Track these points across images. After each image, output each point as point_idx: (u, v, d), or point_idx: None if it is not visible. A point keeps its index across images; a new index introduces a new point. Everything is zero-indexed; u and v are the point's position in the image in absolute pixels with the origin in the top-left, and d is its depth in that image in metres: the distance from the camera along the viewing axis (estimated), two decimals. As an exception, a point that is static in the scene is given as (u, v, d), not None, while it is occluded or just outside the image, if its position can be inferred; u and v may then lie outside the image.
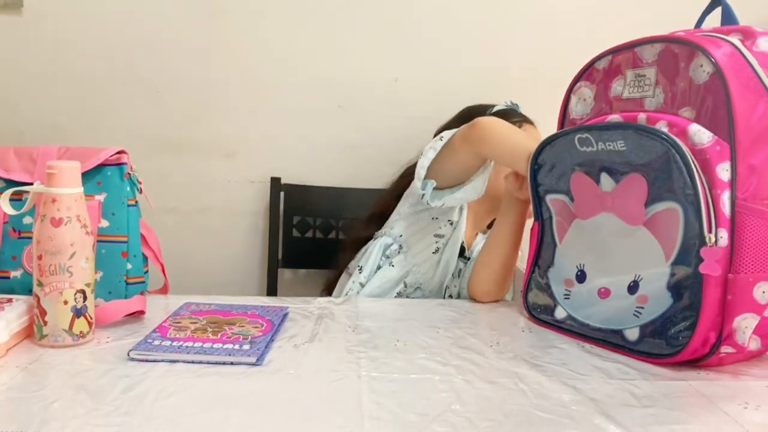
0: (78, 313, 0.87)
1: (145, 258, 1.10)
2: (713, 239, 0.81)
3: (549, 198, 1.04)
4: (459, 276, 1.31)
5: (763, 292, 0.81)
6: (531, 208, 1.09)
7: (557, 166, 1.01)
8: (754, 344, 0.85)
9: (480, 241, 1.38)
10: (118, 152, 1.07)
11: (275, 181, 1.57)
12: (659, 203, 0.87)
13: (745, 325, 0.82)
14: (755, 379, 0.83)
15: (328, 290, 1.40)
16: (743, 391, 0.79)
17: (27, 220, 1.03)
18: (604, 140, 0.92)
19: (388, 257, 1.29)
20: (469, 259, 1.33)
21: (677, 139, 0.83)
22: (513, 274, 1.21)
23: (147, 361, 0.82)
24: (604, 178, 0.94)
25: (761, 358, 0.90)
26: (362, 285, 1.27)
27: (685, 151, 0.82)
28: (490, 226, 1.41)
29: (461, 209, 1.31)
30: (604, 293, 0.95)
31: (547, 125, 1.12)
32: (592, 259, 0.98)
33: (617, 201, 0.92)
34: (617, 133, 0.90)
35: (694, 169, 0.82)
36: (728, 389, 0.80)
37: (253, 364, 0.82)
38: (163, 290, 1.16)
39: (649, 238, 0.88)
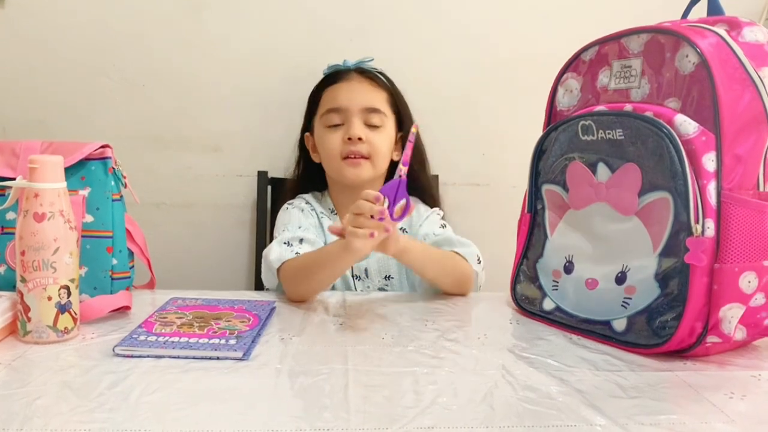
0: (62, 309, 0.86)
1: (131, 253, 1.09)
2: (699, 229, 0.81)
3: (545, 188, 1.04)
4: (367, 276, 1.28)
5: (749, 281, 0.81)
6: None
7: (558, 153, 1.01)
8: (739, 334, 0.85)
9: None
10: (102, 147, 1.07)
11: (262, 175, 1.56)
12: (652, 193, 0.87)
13: (731, 314, 0.82)
14: (741, 369, 0.83)
15: None
16: (729, 380, 0.80)
17: (10, 215, 1.02)
18: (604, 128, 0.93)
19: None
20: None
21: (672, 130, 0.83)
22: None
23: (132, 356, 0.81)
24: (601, 168, 0.94)
25: (747, 348, 0.91)
26: None
27: (678, 141, 0.83)
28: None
29: (320, 227, 1.30)
30: (591, 284, 0.96)
31: (534, 117, 1.11)
32: (581, 250, 0.98)
33: (612, 190, 0.93)
34: (617, 122, 0.91)
35: (686, 159, 0.82)
36: (714, 379, 0.80)
37: (240, 359, 0.81)
38: (150, 285, 1.16)
39: (640, 228, 0.89)
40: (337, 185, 1.33)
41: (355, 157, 1.27)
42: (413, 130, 0.98)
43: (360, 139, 1.26)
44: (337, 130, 1.29)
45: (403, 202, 0.97)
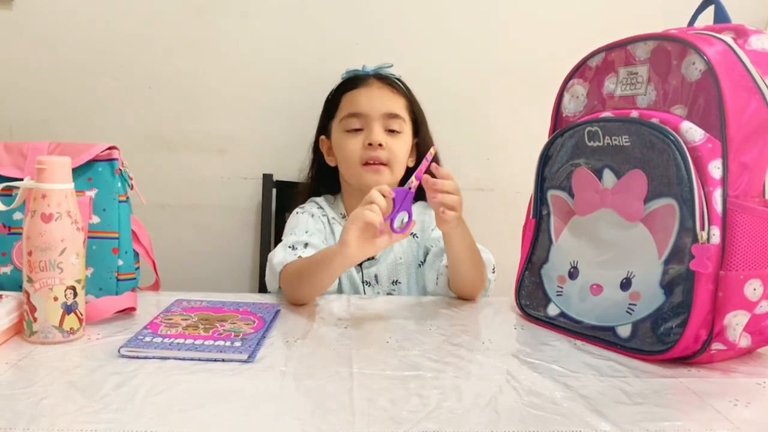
0: (68, 309, 0.86)
1: (137, 254, 1.10)
2: (705, 236, 0.81)
3: (550, 193, 1.05)
4: (377, 282, 1.28)
5: (754, 289, 0.81)
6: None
7: (564, 158, 1.01)
8: (744, 341, 0.85)
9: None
10: (109, 148, 1.07)
11: (267, 178, 1.57)
12: (658, 199, 0.87)
13: (735, 322, 0.82)
14: (745, 376, 0.83)
15: None
16: (733, 388, 0.80)
17: (17, 215, 1.02)
18: (610, 135, 0.93)
19: None
20: (372, 258, 1.28)
21: (679, 137, 0.84)
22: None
23: (138, 357, 0.81)
24: (607, 174, 0.94)
25: (751, 355, 0.90)
26: None
27: (684, 148, 0.83)
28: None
29: (332, 233, 1.31)
30: (596, 290, 0.96)
31: (540, 122, 1.11)
32: (586, 256, 0.98)
33: (617, 197, 0.93)
34: (623, 128, 0.91)
35: (692, 166, 0.82)
36: (719, 386, 0.80)
37: (245, 361, 0.81)
38: (155, 287, 1.16)
39: (645, 235, 0.89)
40: (351, 189, 1.33)
41: (374, 164, 1.27)
42: (432, 151, 1.00)
43: (380, 145, 1.26)
44: (357, 135, 1.29)
45: (405, 215, 0.99)
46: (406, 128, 1.32)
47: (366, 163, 1.27)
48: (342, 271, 1.11)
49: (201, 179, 1.57)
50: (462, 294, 1.19)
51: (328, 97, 1.39)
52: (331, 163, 1.36)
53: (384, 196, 0.99)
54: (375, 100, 1.29)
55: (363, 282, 1.28)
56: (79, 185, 1.01)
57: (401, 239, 1.01)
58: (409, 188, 0.99)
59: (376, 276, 1.29)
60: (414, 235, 1.31)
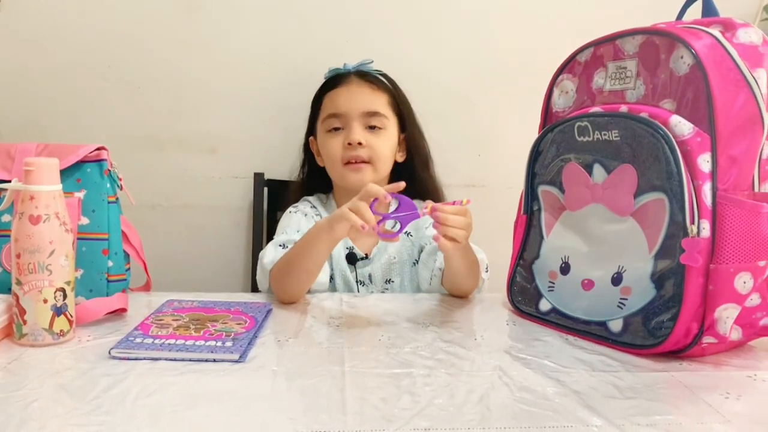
0: (58, 311, 0.86)
1: (127, 255, 1.09)
2: (695, 230, 0.81)
3: (541, 189, 1.05)
4: (371, 281, 1.29)
5: (744, 282, 0.81)
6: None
7: (554, 154, 1.01)
8: (735, 334, 0.85)
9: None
10: (98, 149, 1.06)
11: (258, 177, 1.56)
12: (648, 194, 0.87)
13: (726, 315, 0.82)
14: (736, 369, 0.84)
15: None
16: (725, 381, 0.80)
17: (5, 218, 1.02)
18: (600, 129, 0.93)
19: None
20: (366, 258, 1.29)
21: (668, 131, 0.84)
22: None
23: (129, 359, 0.81)
24: (597, 169, 0.94)
25: (742, 348, 0.91)
26: None
27: (674, 142, 0.83)
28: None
29: None
30: (587, 285, 0.96)
31: (530, 118, 1.11)
32: (577, 251, 0.98)
33: (608, 191, 0.93)
34: (612, 123, 0.91)
35: (681, 160, 0.82)
36: (710, 379, 0.80)
37: (236, 361, 0.81)
38: (146, 287, 1.15)
39: (636, 230, 0.89)
40: (342, 189, 1.33)
41: (356, 162, 1.27)
42: (465, 201, 1.01)
43: (360, 143, 1.26)
44: (338, 135, 1.29)
45: (397, 226, 0.99)
46: (389, 124, 1.31)
47: (347, 163, 1.27)
48: (329, 249, 1.10)
49: (192, 179, 1.57)
50: (455, 294, 1.19)
51: (313, 98, 1.39)
52: (321, 164, 1.36)
53: (380, 199, 0.98)
54: (353, 99, 1.29)
55: (357, 281, 1.28)
56: (68, 186, 1.00)
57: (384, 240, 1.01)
58: (422, 211, 0.98)
59: (370, 275, 1.29)
60: (408, 233, 1.31)
